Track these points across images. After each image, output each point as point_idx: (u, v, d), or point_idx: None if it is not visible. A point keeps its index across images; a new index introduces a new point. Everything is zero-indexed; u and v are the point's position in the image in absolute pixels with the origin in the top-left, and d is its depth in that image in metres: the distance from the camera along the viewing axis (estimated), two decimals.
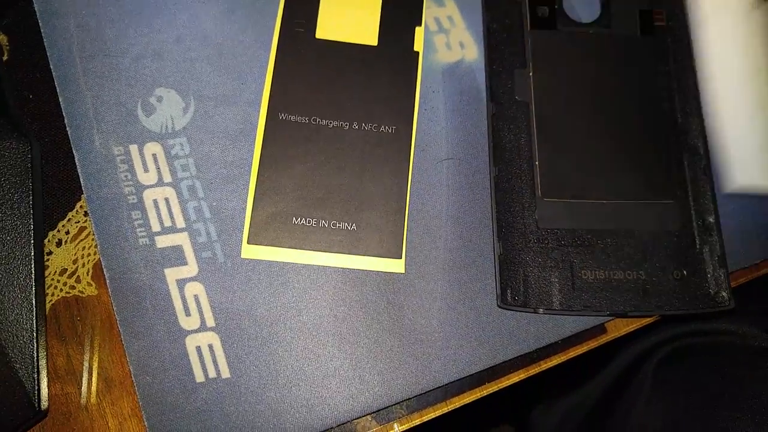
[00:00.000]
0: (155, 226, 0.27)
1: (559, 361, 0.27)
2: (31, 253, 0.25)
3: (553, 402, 0.44)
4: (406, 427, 0.26)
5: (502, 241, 0.27)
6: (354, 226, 0.27)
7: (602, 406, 0.38)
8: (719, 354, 0.30)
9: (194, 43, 0.30)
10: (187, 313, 0.26)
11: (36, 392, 0.24)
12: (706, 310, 0.27)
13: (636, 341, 0.34)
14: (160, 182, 0.28)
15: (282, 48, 0.30)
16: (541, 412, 0.45)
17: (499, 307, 0.26)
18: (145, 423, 0.25)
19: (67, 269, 0.27)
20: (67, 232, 0.28)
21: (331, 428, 0.26)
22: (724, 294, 0.27)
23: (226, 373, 0.26)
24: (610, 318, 0.27)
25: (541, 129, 0.29)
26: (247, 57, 0.30)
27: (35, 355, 0.24)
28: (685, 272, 0.27)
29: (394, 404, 0.26)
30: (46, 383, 0.24)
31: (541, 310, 0.26)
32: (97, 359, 0.26)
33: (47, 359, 0.25)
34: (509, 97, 0.29)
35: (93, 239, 0.27)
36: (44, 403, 0.24)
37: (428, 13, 0.31)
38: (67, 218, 0.28)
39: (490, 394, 0.27)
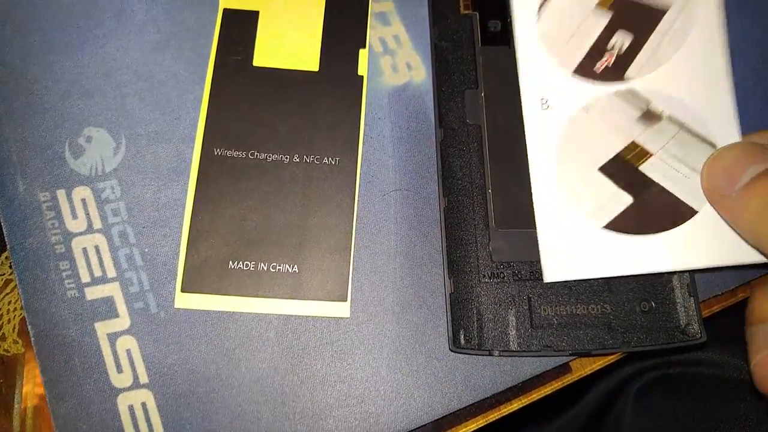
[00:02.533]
0: (84, 277, 0.25)
1: (521, 405, 0.25)
2: None
3: (538, 428, 0.42)
4: None
5: (453, 278, 0.25)
6: (296, 268, 0.26)
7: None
8: (700, 385, 0.29)
9: (125, 78, 0.28)
10: (119, 370, 0.24)
11: None
12: (676, 344, 0.25)
13: (615, 368, 0.33)
14: (89, 229, 0.26)
15: (217, 78, 0.28)
16: None
17: (452, 351, 0.25)
18: None
19: None
20: None
21: None
22: (694, 326, 0.25)
23: None
24: (573, 357, 0.26)
25: (495, 154, 0.27)
26: (181, 90, 0.28)
27: None
28: (653, 304, 0.25)
29: None
30: None
31: (496, 352, 0.24)
32: (27, 424, 0.24)
33: None
34: (459, 120, 0.28)
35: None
36: None
37: (373, 33, 0.29)
38: None
39: None
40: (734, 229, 0.23)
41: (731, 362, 0.28)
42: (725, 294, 0.27)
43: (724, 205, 0.23)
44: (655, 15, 0.27)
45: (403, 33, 0.30)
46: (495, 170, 0.27)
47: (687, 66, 0.26)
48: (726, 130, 0.25)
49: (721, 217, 0.24)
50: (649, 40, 0.27)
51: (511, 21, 0.29)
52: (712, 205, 0.24)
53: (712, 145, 0.25)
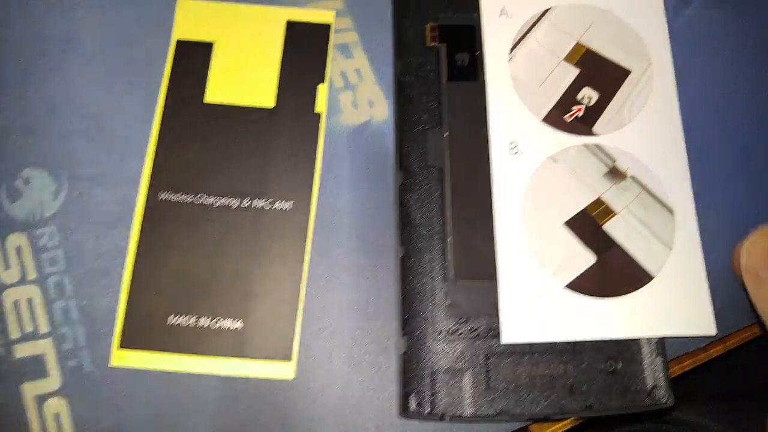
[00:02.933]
0: (14, 333, 0.24)
1: None
2: None
3: None
4: None
5: (406, 336, 0.24)
6: (240, 323, 0.24)
7: None
8: None
9: (70, 115, 0.27)
10: None
11: None
12: (641, 409, 0.23)
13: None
14: (22, 280, 0.24)
15: (167, 116, 0.27)
16: None
17: (401, 416, 0.23)
18: None
19: None
20: None
21: None
22: (661, 389, 0.23)
23: None
24: (530, 422, 0.24)
25: (457, 199, 0.25)
26: (129, 128, 0.26)
27: None
28: (619, 364, 0.24)
29: None
30: None
31: (448, 417, 0.23)
32: None
33: None
34: (421, 163, 0.26)
35: None
36: None
37: (334, 66, 0.28)
38: None
39: None
40: (759, 311, 0.23)
41: (701, 423, 0.27)
42: (696, 351, 0.25)
43: (757, 287, 0.22)
44: (620, 75, 0.27)
45: (365, 66, 0.28)
46: (456, 217, 0.25)
47: (647, 129, 0.26)
48: (680, 197, 0.25)
49: (748, 294, 0.23)
50: (614, 99, 0.26)
51: (480, 54, 0.27)
52: (744, 281, 0.23)
53: (669, 210, 0.25)
